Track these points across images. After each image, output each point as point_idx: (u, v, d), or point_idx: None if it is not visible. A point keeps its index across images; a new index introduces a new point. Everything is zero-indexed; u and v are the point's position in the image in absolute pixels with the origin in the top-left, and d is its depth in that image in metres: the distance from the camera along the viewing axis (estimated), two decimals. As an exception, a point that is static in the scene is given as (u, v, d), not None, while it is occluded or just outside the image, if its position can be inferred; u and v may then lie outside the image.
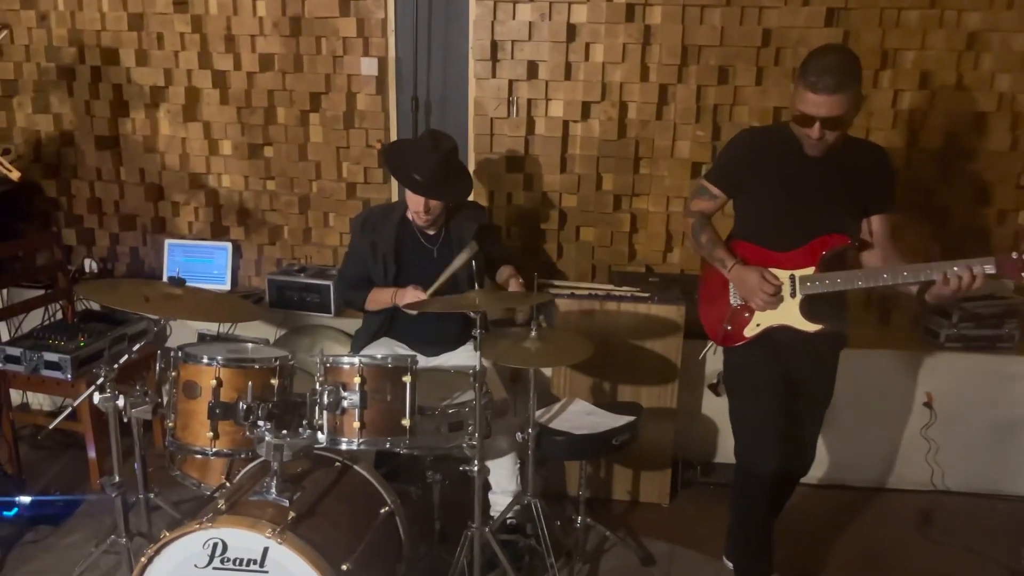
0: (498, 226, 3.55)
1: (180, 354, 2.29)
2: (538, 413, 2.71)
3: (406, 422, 2.22)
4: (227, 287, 3.79)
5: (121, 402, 2.26)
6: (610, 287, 3.24)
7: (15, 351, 3.15)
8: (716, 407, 3.41)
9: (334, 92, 3.60)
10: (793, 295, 2.40)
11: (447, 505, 2.71)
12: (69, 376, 3.11)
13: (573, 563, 2.81)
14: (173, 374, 2.29)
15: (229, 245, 3.82)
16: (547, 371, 3.23)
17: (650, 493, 3.28)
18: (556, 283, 3.45)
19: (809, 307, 2.39)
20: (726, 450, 3.47)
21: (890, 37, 3.25)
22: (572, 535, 2.87)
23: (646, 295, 3.14)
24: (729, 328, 2.52)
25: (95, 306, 3.72)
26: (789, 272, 2.41)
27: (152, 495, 2.54)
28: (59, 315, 3.57)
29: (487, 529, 2.40)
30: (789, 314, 2.41)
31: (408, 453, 2.39)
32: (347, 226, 3.77)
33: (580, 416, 2.74)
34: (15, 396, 3.52)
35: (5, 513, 3.01)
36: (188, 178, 3.84)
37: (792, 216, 2.41)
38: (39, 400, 3.81)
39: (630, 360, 3.13)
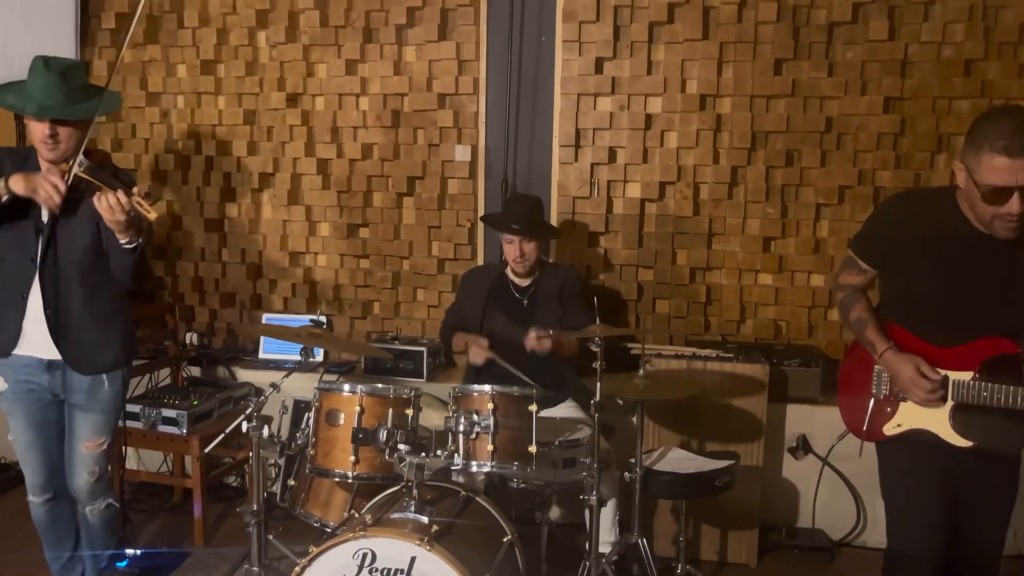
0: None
1: (323, 385, 2.48)
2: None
3: (532, 449, 2.37)
4: (319, 359, 4.00)
5: (266, 432, 2.44)
6: (694, 349, 3.42)
7: (135, 408, 3.37)
8: (797, 470, 3.50)
9: (428, 177, 3.93)
10: (943, 399, 2.11)
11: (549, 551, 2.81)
12: (184, 431, 3.31)
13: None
14: (316, 405, 2.47)
15: (323, 319, 4.06)
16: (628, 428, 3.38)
17: (738, 553, 3.33)
18: (643, 347, 3.63)
19: (963, 417, 2.09)
20: (807, 514, 3.54)
21: (944, 123, 3.55)
22: (671, 583, 2.93)
23: (730, 355, 3.31)
24: (868, 422, 2.26)
25: (197, 373, 3.96)
26: (944, 372, 2.11)
27: (270, 537, 2.69)
28: (166, 381, 3.80)
29: (603, 560, 2.50)
30: (936, 420, 2.12)
31: (522, 488, 2.54)
32: (434, 300, 4.03)
33: (681, 461, 2.87)
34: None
35: (117, 564, 3.11)
36: (288, 257, 4.14)
37: (951, 306, 2.09)
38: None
39: (716, 418, 3.26)
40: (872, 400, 2.24)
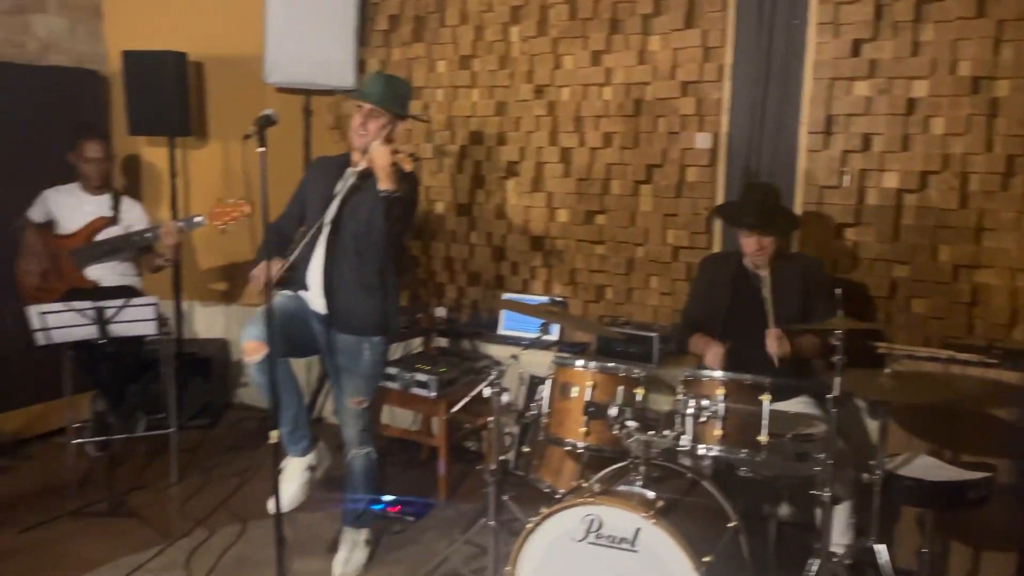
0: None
1: (558, 359, 2.63)
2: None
3: (762, 438, 2.35)
4: (555, 337, 4.17)
5: (506, 398, 2.64)
6: (952, 351, 3.15)
7: (393, 370, 3.74)
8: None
9: (667, 165, 3.95)
10: None
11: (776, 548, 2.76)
12: (434, 394, 3.63)
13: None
14: (552, 377, 2.63)
15: (560, 299, 4.24)
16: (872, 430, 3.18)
17: (993, 578, 3.04)
18: (891, 346, 3.41)
19: None
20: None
21: None
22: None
23: (996, 361, 3.01)
24: None
25: (445, 344, 4.31)
26: None
27: (505, 498, 2.90)
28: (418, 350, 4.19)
29: (835, 560, 2.41)
30: None
31: (750, 479, 2.51)
32: (667, 287, 4.04)
33: (928, 468, 2.68)
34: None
35: (372, 507, 3.49)
36: (529, 241, 4.37)
37: None
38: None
39: (975, 428, 2.98)
40: None
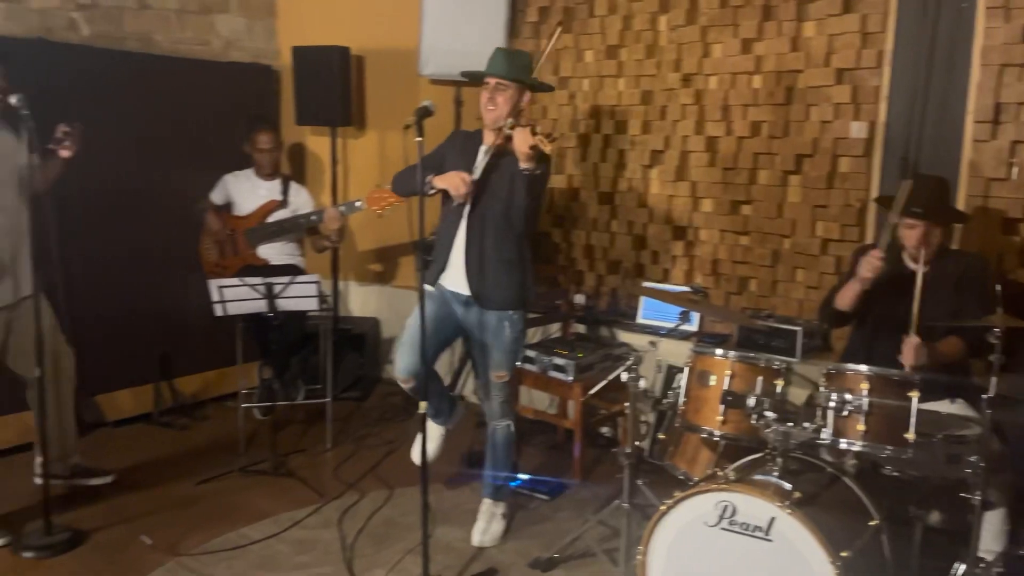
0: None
1: (697, 348, 2.66)
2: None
3: (909, 436, 2.28)
4: (694, 328, 4.16)
5: (643, 384, 2.69)
6: None
7: (531, 353, 3.87)
8: None
9: (818, 155, 3.84)
10: None
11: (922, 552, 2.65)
12: (571, 378, 3.73)
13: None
14: (690, 365, 2.66)
15: (701, 288, 4.22)
16: None
17: None
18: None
19: None
20: None
21: None
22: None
23: None
24: None
25: (583, 330, 4.40)
26: None
27: (639, 482, 2.95)
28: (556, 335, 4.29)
29: (982, 566, 2.31)
30: None
31: (896, 479, 2.44)
32: (814, 280, 3.94)
33: (1096, 480, 2.51)
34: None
35: (511, 483, 3.63)
36: (671, 230, 4.37)
37: None
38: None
39: None
40: None
